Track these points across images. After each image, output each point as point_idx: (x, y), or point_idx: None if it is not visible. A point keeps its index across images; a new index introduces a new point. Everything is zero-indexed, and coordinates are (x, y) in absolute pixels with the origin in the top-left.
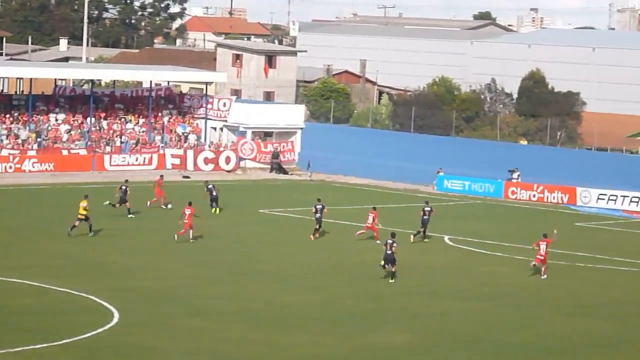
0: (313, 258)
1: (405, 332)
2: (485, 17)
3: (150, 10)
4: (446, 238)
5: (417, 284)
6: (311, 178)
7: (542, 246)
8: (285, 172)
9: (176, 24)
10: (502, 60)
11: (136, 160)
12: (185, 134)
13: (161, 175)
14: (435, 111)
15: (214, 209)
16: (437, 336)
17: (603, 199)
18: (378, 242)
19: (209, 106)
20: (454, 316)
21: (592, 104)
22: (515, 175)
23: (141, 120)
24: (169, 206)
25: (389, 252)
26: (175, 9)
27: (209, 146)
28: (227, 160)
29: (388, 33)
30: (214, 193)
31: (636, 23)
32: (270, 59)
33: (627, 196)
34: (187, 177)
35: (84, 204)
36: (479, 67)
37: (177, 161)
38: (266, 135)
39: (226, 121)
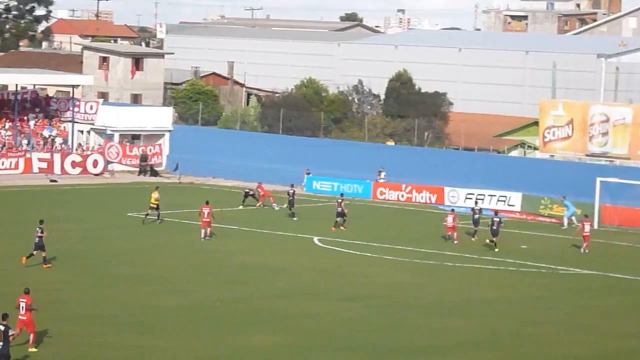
0: (182, 261)
1: (275, 334)
2: (352, 19)
3: (15, 12)
4: (315, 239)
5: (287, 285)
6: (180, 180)
7: (587, 226)
8: (156, 174)
9: (42, 26)
10: (369, 61)
11: (2, 164)
12: (52, 137)
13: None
14: (303, 113)
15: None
16: (306, 337)
17: (470, 199)
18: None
19: (76, 109)
20: (323, 317)
21: (459, 104)
22: (382, 175)
23: (7, 124)
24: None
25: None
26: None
27: (76, 150)
28: (95, 163)
29: (256, 35)
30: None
31: (501, 24)
32: (138, 62)
33: (494, 195)
34: (55, 180)
35: (155, 194)
36: (346, 68)
37: (44, 165)
38: (134, 138)
39: (93, 124)
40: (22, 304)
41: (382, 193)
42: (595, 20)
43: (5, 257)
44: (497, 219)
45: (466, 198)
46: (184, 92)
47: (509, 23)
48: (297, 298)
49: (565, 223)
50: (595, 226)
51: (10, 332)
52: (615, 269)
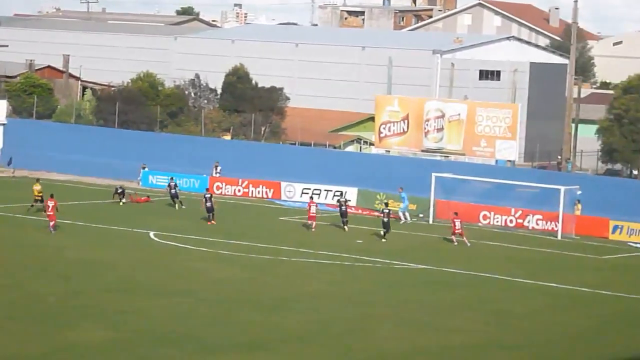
0: (10, 256)
1: (106, 329)
2: (188, 13)
3: None
4: (151, 234)
5: (120, 280)
6: (14, 175)
7: (457, 222)
8: None
9: None
10: (205, 55)
11: None
12: None
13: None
14: (139, 107)
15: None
16: (138, 332)
17: (307, 193)
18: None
19: None
20: (155, 312)
21: (295, 99)
22: (217, 169)
23: None
24: None
25: None
26: None
27: None
28: None
29: (91, 28)
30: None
31: (338, 19)
32: None
33: (331, 190)
34: None
35: (37, 187)
36: (183, 62)
37: None
38: None
39: None
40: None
41: (218, 188)
42: (431, 17)
43: None
44: (387, 211)
45: (302, 193)
46: (18, 85)
47: (346, 19)
48: (129, 293)
49: (402, 217)
50: (430, 221)
51: None
52: (448, 264)
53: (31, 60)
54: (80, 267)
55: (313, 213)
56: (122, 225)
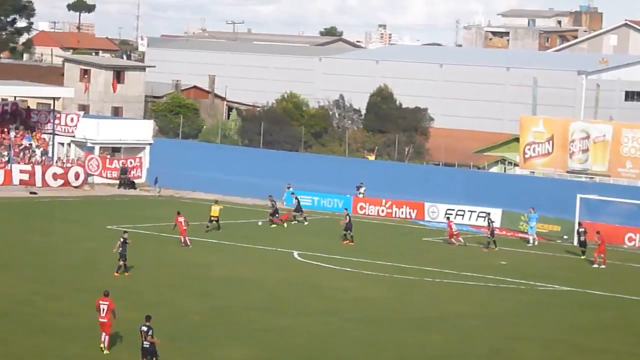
0: (159, 274)
1: (251, 347)
2: (332, 34)
3: None
4: (295, 253)
5: (264, 299)
6: (160, 194)
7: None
8: (134, 187)
9: (23, 38)
10: (350, 76)
11: None
12: (31, 147)
13: None
14: (283, 127)
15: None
16: (282, 351)
17: (451, 214)
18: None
19: (57, 121)
20: (299, 330)
21: (439, 119)
22: (361, 190)
23: None
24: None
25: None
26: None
27: (57, 162)
28: (76, 175)
29: (237, 49)
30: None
31: (482, 40)
32: (119, 74)
33: (474, 211)
34: (34, 193)
35: (216, 207)
36: (327, 83)
37: (25, 177)
38: (114, 150)
39: (74, 136)
40: (104, 307)
41: (362, 208)
42: (576, 37)
43: None
44: (583, 229)
45: (446, 214)
46: (165, 105)
47: (490, 39)
48: (273, 312)
49: (530, 239)
50: (575, 242)
51: (150, 333)
52: (592, 286)
53: (177, 81)
54: (226, 285)
55: (455, 230)
56: (266, 245)
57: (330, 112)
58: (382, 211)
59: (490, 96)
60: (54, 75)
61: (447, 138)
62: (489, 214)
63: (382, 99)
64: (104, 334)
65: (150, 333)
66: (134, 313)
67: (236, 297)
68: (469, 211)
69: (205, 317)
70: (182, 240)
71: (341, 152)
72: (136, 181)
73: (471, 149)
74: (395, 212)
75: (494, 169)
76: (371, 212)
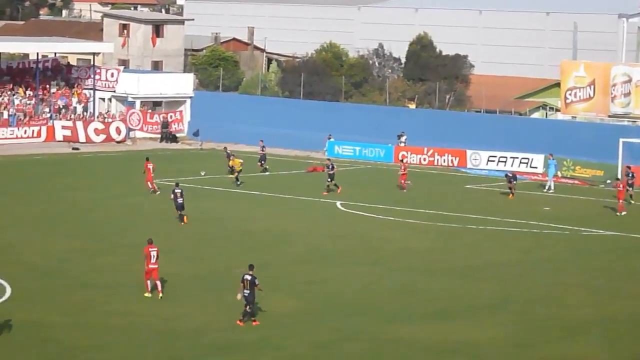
0: (201, 228)
1: (297, 299)
2: None
3: None
4: (338, 203)
5: (307, 250)
6: (201, 147)
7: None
8: (176, 141)
9: None
10: (389, 25)
11: (25, 133)
12: (65, 106)
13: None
14: (323, 77)
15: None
16: (327, 302)
17: (493, 161)
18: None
19: (97, 77)
20: (343, 281)
21: (479, 66)
22: (402, 139)
23: (29, 93)
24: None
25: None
26: None
27: (98, 117)
28: (118, 130)
29: (276, 0)
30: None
31: None
32: (158, 28)
33: (517, 157)
34: (77, 148)
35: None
36: (366, 32)
37: (67, 133)
38: (155, 104)
39: (114, 91)
40: (154, 253)
41: (403, 157)
42: None
43: (24, 223)
44: (631, 174)
45: (489, 160)
46: (205, 58)
47: None
48: (317, 263)
49: (548, 185)
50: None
51: (257, 282)
52: (637, 230)
53: (217, 34)
54: (268, 237)
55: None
56: (309, 196)
57: (370, 62)
58: (424, 160)
59: (530, 42)
60: (93, 31)
61: (488, 85)
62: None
63: (421, 47)
64: (152, 280)
65: (257, 282)
66: (175, 267)
67: (279, 249)
68: (511, 157)
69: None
70: (151, 187)
71: (382, 102)
72: (177, 135)
73: (512, 95)
74: (437, 160)
75: (536, 115)
76: (413, 160)
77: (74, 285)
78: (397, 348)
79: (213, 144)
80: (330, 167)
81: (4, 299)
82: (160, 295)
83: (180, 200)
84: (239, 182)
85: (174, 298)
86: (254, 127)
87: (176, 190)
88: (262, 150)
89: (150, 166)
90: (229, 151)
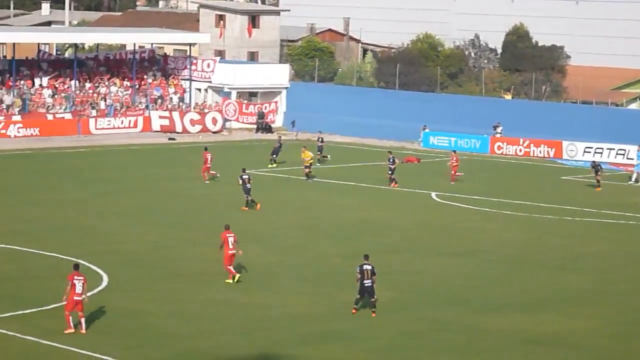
0: (296, 218)
1: (391, 289)
2: None
3: None
4: (433, 194)
5: (403, 240)
6: (297, 137)
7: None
8: (271, 131)
9: None
10: (485, 15)
11: (122, 123)
12: (161, 97)
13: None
14: (419, 68)
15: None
16: (420, 293)
17: (589, 152)
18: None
19: (193, 67)
20: (438, 272)
21: (576, 57)
22: (498, 130)
23: (125, 83)
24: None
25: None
26: None
27: (194, 108)
28: (214, 121)
29: None
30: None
31: None
32: (254, 19)
33: (613, 149)
34: (173, 139)
35: (309, 153)
36: (462, 22)
37: (165, 122)
38: (251, 95)
39: (210, 82)
40: (231, 239)
41: (499, 148)
42: None
43: (120, 213)
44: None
45: (585, 152)
46: (300, 49)
47: None
48: (412, 254)
49: (634, 176)
50: None
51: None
52: None
53: (312, 24)
54: (363, 227)
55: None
56: (404, 186)
57: (466, 52)
58: (520, 150)
59: (627, 32)
60: (189, 22)
61: (584, 76)
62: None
63: (517, 37)
64: (231, 266)
65: (375, 272)
66: (270, 256)
67: (374, 239)
68: (607, 149)
69: (345, 260)
70: (207, 176)
71: (477, 92)
72: (273, 125)
73: (609, 86)
74: (533, 151)
75: (633, 106)
76: (509, 151)
77: (170, 275)
78: (491, 338)
79: (308, 135)
80: (391, 161)
81: (100, 287)
82: (237, 275)
83: (248, 186)
84: (310, 180)
85: (270, 287)
86: (350, 118)
87: (244, 176)
88: (321, 142)
89: (208, 156)
90: (321, 137)
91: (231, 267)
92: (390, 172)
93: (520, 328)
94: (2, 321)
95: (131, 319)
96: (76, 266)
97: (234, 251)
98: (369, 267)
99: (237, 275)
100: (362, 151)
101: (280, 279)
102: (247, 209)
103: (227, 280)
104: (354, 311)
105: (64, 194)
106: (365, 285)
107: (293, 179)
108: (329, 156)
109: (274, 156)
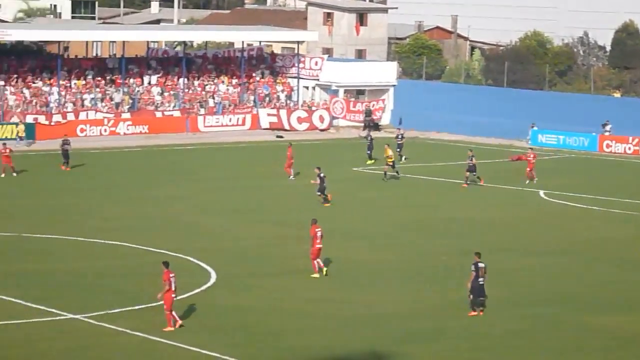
0: (404, 215)
1: (497, 287)
2: None
3: None
4: (541, 192)
5: (512, 239)
6: (403, 135)
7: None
8: (378, 129)
9: None
10: (594, 12)
11: (230, 121)
12: (269, 95)
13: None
14: (527, 65)
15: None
16: (529, 291)
17: None
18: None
19: (301, 65)
20: (544, 270)
21: None
22: (607, 128)
23: (234, 81)
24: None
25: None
26: None
27: (302, 105)
28: (321, 119)
29: None
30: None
31: None
32: (361, 17)
33: None
34: (281, 136)
35: (389, 152)
36: (571, 20)
37: (273, 119)
38: (358, 93)
39: (318, 80)
40: (319, 233)
41: (608, 146)
42: None
43: (228, 211)
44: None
45: None
46: (408, 46)
47: None
48: (520, 252)
49: None
50: None
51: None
52: None
53: (420, 22)
54: (472, 225)
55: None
56: (512, 185)
57: (575, 50)
58: (629, 149)
59: None
60: (297, 20)
61: None
62: None
63: (627, 34)
64: (317, 260)
65: (486, 270)
66: (375, 254)
67: (482, 237)
68: None
69: (453, 258)
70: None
71: (586, 90)
72: (380, 123)
73: None
74: None
75: None
76: (617, 150)
77: (275, 272)
78: (601, 337)
79: (416, 132)
80: (471, 159)
81: (209, 284)
82: (325, 269)
83: (324, 184)
84: (385, 178)
85: (376, 284)
86: (457, 116)
87: (321, 175)
88: (400, 140)
89: (289, 153)
90: (400, 135)
91: (319, 261)
92: (469, 170)
93: (630, 328)
94: (111, 317)
95: (237, 316)
96: (167, 263)
97: (320, 246)
98: (483, 265)
99: (325, 269)
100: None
101: (386, 276)
102: (329, 204)
103: (313, 275)
104: (476, 313)
105: (171, 190)
106: (479, 283)
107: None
108: (404, 157)
109: (369, 152)
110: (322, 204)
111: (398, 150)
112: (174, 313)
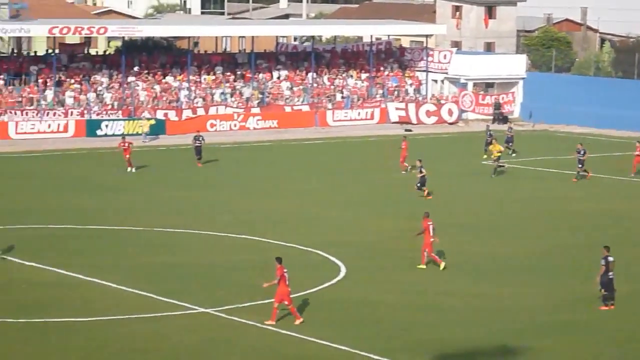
0: (530, 209)
1: (627, 282)
2: None
3: None
4: None
5: (627, 233)
6: (534, 128)
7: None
8: (507, 122)
9: None
10: None
11: (358, 115)
12: (397, 88)
13: None
14: None
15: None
16: None
17: None
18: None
19: (430, 59)
20: None
21: None
22: None
23: (363, 75)
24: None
25: None
26: None
27: (431, 99)
28: (450, 112)
29: None
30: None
31: None
32: (490, 10)
33: None
34: (410, 130)
35: (497, 147)
36: None
37: (402, 113)
38: (487, 86)
39: (447, 73)
40: (432, 227)
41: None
42: None
43: (356, 204)
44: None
45: None
46: (537, 39)
47: None
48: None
49: None
50: None
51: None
52: None
53: (549, 14)
54: (594, 219)
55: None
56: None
57: None
58: None
59: None
60: (426, 13)
61: None
62: None
63: None
64: (429, 253)
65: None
66: (505, 247)
67: (609, 230)
68: None
69: (582, 250)
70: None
71: None
72: (509, 116)
73: None
74: None
75: None
76: None
77: (405, 265)
78: None
79: (545, 125)
80: (581, 153)
81: (339, 278)
82: (443, 265)
83: (425, 177)
84: (494, 174)
85: (505, 278)
86: (587, 108)
87: (422, 169)
88: (510, 133)
89: (404, 146)
90: (491, 132)
91: (433, 255)
92: (580, 165)
93: None
94: (241, 311)
95: (368, 310)
96: (279, 259)
97: (434, 239)
98: (613, 259)
99: (443, 263)
100: (600, 142)
101: (515, 269)
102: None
103: (419, 266)
104: (607, 307)
105: (301, 185)
106: (609, 277)
107: (521, 169)
108: (513, 153)
109: (510, 144)
110: (425, 197)
111: (509, 144)
112: (293, 307)
